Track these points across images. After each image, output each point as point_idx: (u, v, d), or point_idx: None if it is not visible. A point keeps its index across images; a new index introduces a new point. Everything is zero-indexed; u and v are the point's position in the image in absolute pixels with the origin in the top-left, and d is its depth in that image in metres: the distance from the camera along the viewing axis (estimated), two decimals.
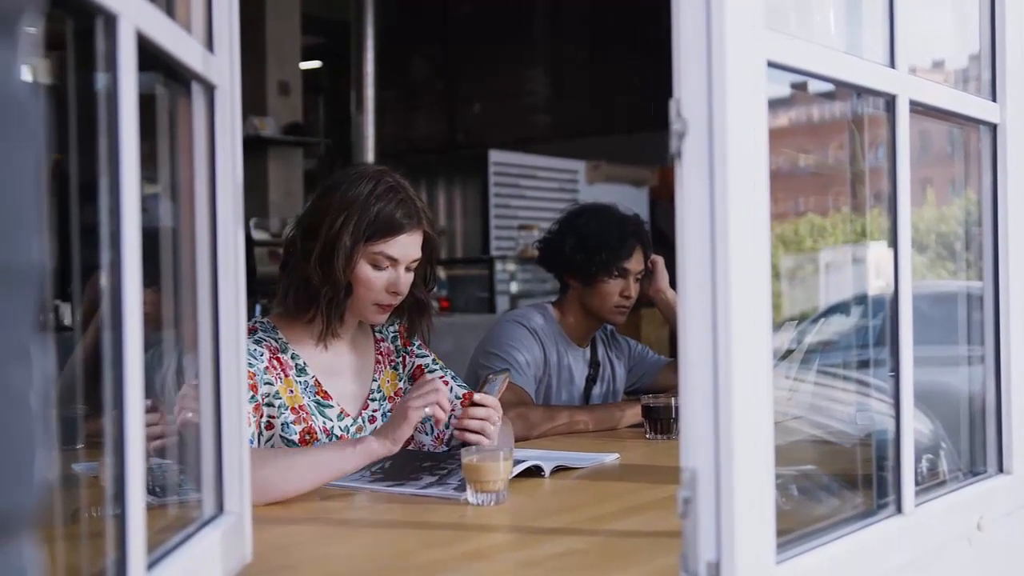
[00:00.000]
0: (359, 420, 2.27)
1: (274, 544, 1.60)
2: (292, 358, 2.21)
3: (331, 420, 2.21)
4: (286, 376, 2.18)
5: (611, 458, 2.34)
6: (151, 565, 1.09)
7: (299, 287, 2.20)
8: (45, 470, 0.59)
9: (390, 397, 2.35)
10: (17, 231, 0.56)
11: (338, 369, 2.28)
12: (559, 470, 2.17)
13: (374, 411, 2.31)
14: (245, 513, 1.40)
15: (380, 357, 2.37)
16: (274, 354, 2.17)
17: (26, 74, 0.58)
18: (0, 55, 0.55)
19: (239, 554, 1.39)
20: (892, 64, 1.51)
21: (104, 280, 1.01)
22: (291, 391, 2.17)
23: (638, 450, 2.54)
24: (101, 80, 1.02)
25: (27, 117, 0.56)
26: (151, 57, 1.12)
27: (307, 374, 2.22)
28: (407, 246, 2.21)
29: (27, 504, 0.58)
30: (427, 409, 1.97)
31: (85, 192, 1.04)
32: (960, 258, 2.05)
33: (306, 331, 2.24)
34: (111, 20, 0.99)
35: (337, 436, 2.21)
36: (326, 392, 2.23)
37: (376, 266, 2.19)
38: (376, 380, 2.34)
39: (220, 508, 1.37)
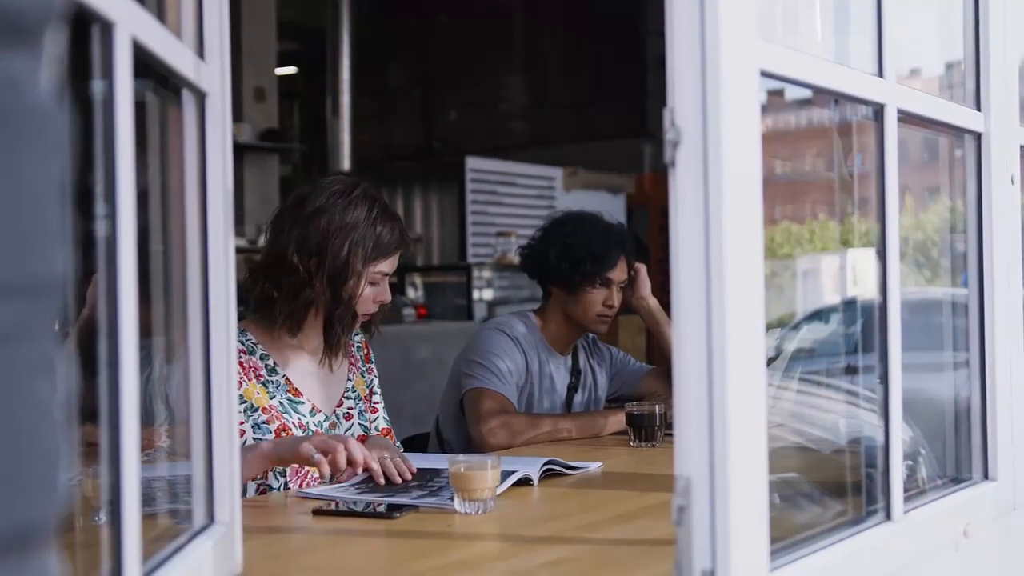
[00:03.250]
0: (332, 417, 2.35)
1: (264, 554, 1.59)
2: (261, 359, 2.27)
3: (304, 416, 2.28)
4: (250, 379, 2.23)
5: (595, 466, 2.34)
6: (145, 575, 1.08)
7: (304, 307, 2.26)
8: (67, 482, 0.59)
9: (364, 397, 2.45)
10: (43, 242, 0.55)
11: (311, 370, 2.35)
12: (547, 476, 2.18)
13: (349, 408, 2.40)
14: (236, 523, 1.39)
15: (352, 360, 2.46)
16: (239, 358, 2.19)
17: (49, 84, 0.57)
18: (24, 66, 0.55)
19: (230, 564, 1.38)
20: (880, 73, 1.51)
21: (99, 287, 1.00)
22: (258, 393, 2.23)
23: (622, 458, 2.54)
24: (96, 87, 1.01)
25: (52, 127, 0.56)
26: (143, 64, 1.11)
27: (278, 374, 2.28)
28: (396, 261, 2.35)
29: (54, 514, 0.57)
30: (317, 456, 1.95)
31: (77, 199, 1.03)
32: (937, 265, 2.06)
33: (283, 336, 2.29)
34: (107, 28, 0.98)
35: (312, 431, 2.27)
36: (297, 390, 2.30)
37: (373, 283, 2.30)
38: (351, 380, 2.43)
39: (211, 518, 1.36)
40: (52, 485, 0.57)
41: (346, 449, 1.97)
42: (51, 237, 0.56)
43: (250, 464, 2.00)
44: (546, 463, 2.18)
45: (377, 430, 2.40)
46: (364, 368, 2.49)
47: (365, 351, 2.52)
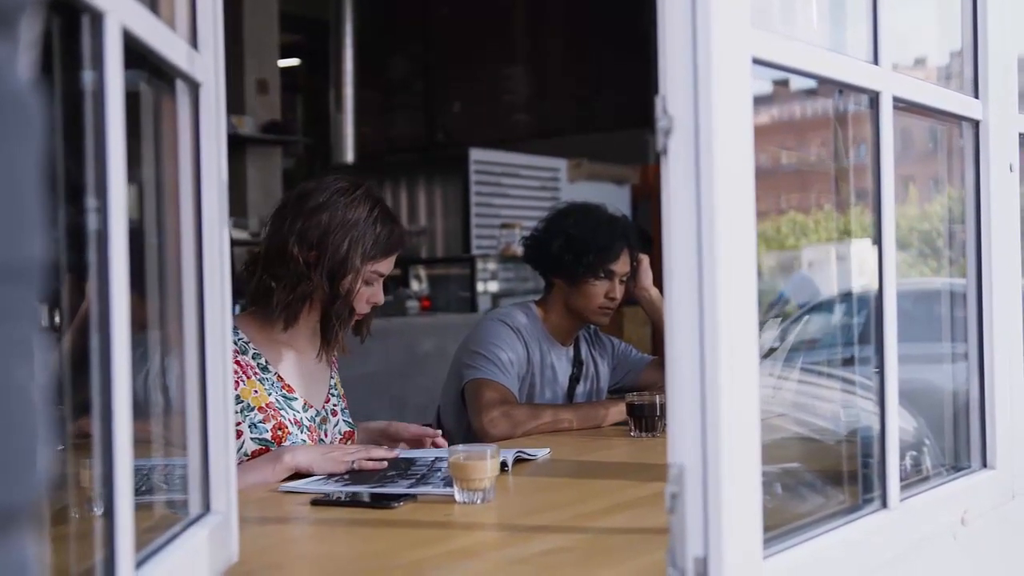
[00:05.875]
0: (323, 412, 2.39)
1: (260, 544, 1.59)
2: (253, 358, 2.30)
3: (298, 412, 2.31)
4: (248, 378, 2.26)
5: (543, 452, 2.38)
6: (139, 564, 1.09)
7: (301, 300, 2.28)
8: (47, 465, 0.59)
9: (343, 395, 2.50)
10: (20, 227, 0.56)
11: (299, 367, 2.38)
12: (518, 462, 2.23)
13: (334, 405, 2.45)
14: (232, 512, 1.40)
15: (334, 359, 2.50)
16: (234, 357, 2.21)
17: (26, 72, 0.58)
18: (1, 52, 0.55)
19: (226, 553, 1.39)
20: (876, 61, 1.51)
21: (90, 281, 1.01)
22: (255, 391, 2.26)
23: (623, 448, 2.54)
24: (86, 77, 1.01)
25: (28, 115, 0.56)
26: (135, 55, 1.11)
27: (270, 371, 2.31)
28: (393, 262, 2.37)
29: (30, 498, 0.58)
30: (355, 465, 2.13)
31: (69, 191, 1.03)
32: (941, 255, 2.06)
33: (274, 331, 2.31)
34: (97, 17, 0.98)
35: (306, 427, 2.31)
36: (289, 386, 2.33)
37: (367, 283, 2.32)
38: (333, 378, 2.47)
39: (207, 507, 1.36)
40: (30, 468, 0.57)
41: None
42: (28, 223, 0.57)
43: (276, 473, 2.09)
44: (516, 458, 2.23)
45: (340, 433, 2.42)
46: (338, 367, 2.55)
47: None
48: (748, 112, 1.21)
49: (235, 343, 2.26)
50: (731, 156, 1.18)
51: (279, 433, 2.24)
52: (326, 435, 2.37)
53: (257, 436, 2.22)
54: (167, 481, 1.46)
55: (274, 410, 2.25)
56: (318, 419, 2.36)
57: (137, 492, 1.16)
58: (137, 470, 1.24)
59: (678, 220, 1.17)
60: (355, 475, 2.08)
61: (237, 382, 2.21)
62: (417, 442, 2.43)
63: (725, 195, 1.16)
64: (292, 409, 2.30)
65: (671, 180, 1.17)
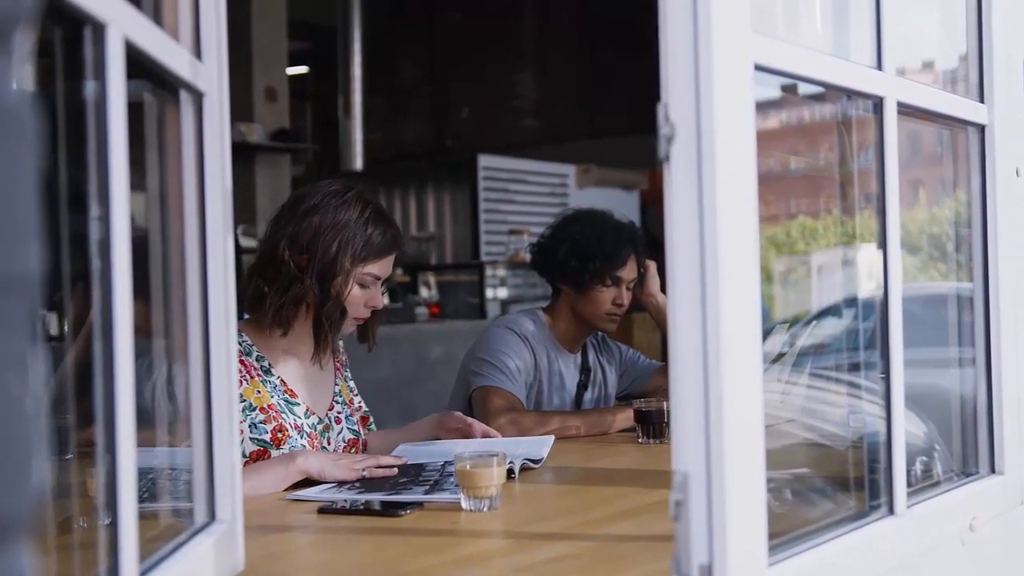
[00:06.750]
0: (325, 419, 2.39)
1: (266, 553, 1.59)
2: (257, 360, 2.31)
3: (299, 417, 2.31)
4: (252, 378, 2.27)
5: (547, 441, 2.41)
6: (143, 573, 1.09)
7: (293, 303, 2.28)
8: (42, 476, 0.59)
9: (348, 402, 2.48)
10: (14, 239, 0.56)
11: (302, 373, 2.38)
12: (524, 469, 2.22)
13: (338, 413, 2.44)
14: (237, 521, 1.40)
15: (338, 365, 2.50)
16: (238, 357, 2.22)
17: (21, 83, 0.58)
18: None
19: (231, 562, 1.39)
20: (879, 66, 1.51)
21: (94, 290, 1.01)
22: (258, 392, 2.27)
23: (630, 454, 2.54)
24: (89, 88, 1.02)
25: (23, 126, 0.57)
26: (138, 65, 1.11)
27: (273, 375, 2.31)
28: (390, 265, 2.37)
29: (25, 510, 0.58)
30: (365, 473, 2.12)
31: (72, 201, 1.04)
32: (951, 259, 2.05)
33: (274, 337, 2.32)
34: (99, 28, 0.99)
35: (307, 433, 2.31)
36: (292, 391, 2.33)
37: (362, 285, 2.32)
38: (337, 385, 2.47)
39: (212, 516, 1.36)
40: (24, 480, 0.57)
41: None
42: (24, 235, 0.57)
43: (288, 475, 2.08)
44: (522, 465, 2.22)
45: (344, 441, 2.43)
46: (347, 374, 2.54)
47: (345, 358, 2.57)
48: (750, 118, 1.21)
49: (240, 345, 2.27)
50: (733, 162, 1.17)
51: (279, 436, 2.24)
52: (329, 443, 2.37)
53: (257, 436, 2.22)
54: (172, 488, 1.46)
55: (275, 412, 2.26)
56: (320, 426, 2.36)
57: (141, 500, 1.16)
58: (142, 474, 1.24)
59: (681, 226, 1.17)
60: (367, 483, 2.08)
61: (240, 381, 2.21)
62: (463, 433, 2.46)
63: (727, 201, 1.16)
64: (293, 414, 2.30)
65: (674, 187, 1.17)
